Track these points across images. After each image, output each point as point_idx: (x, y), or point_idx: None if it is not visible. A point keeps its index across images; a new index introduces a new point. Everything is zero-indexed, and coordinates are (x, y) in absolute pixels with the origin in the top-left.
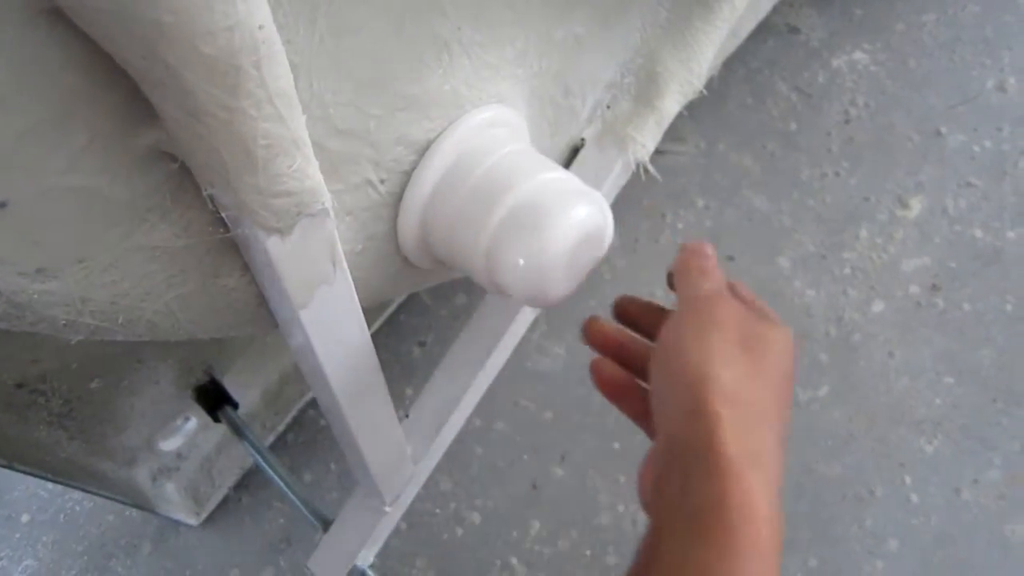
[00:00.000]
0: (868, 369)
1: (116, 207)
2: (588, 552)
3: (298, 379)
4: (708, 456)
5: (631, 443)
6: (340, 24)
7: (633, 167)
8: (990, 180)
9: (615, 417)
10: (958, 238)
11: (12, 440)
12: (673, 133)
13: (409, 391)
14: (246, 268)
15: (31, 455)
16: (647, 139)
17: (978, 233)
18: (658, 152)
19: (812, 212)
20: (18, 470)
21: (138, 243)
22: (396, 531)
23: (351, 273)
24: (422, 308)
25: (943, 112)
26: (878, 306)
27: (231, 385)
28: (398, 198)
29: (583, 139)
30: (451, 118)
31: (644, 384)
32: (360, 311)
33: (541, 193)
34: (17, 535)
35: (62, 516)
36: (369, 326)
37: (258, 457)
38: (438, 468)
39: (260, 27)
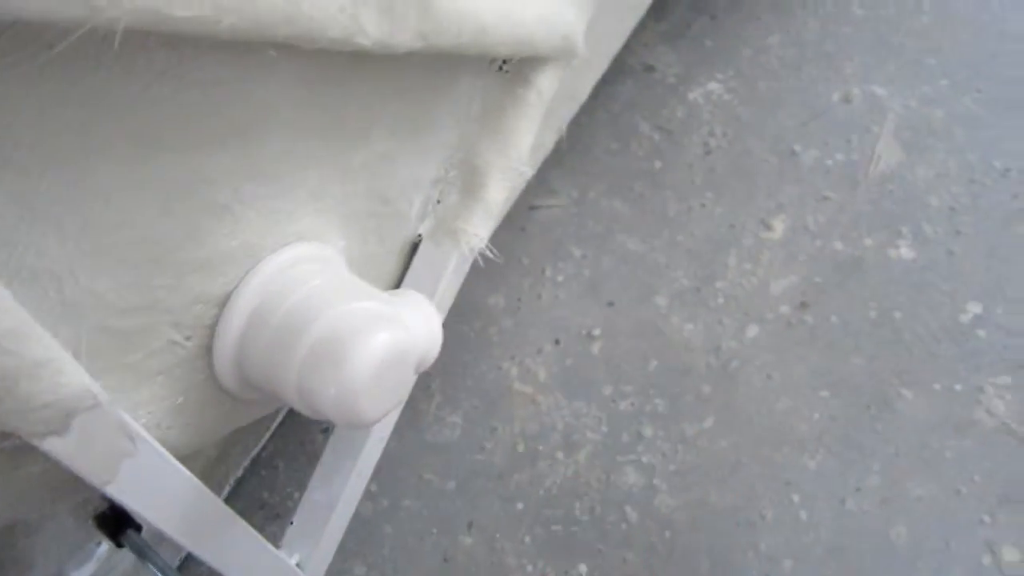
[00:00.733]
0: (748, 395)
1: None
2: None
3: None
4: None
5: (533, 503)
6: (95, 225)
7: (469, 257)
8: (844, 192)
9: (515, 479)
10: (820, 253)
11: None
12: (546, 187)
13: None
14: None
15: None
16: (478, 228)
17: (838, 245)
18: (532, 208)
19: (682, 247)
20: None
21: None
22: None
23: (176, 422)
24: None
25: (795, 130)
26: (752, 331)
27: None
28: (208, 348)
29: (419, 236)
30: (247, 268)
31: None
32: (177, 467)
33: (336, 327)
34: None
35: None
36: (269, 425)
37: None
38: (351, 553)
39: None
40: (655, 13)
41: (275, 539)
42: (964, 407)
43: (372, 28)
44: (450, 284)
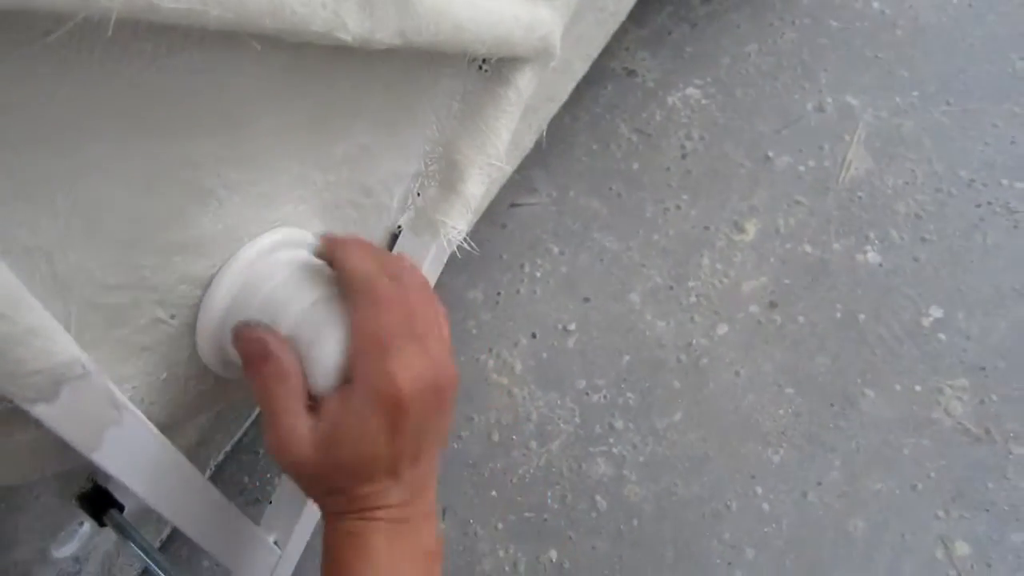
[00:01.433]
0: (717, 390)
1: None
2: None
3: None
4: None
5: (506, 490)
6: (85, 203)
7: (448, 249)
8: (815, 197)
9: (490, 467)
10: (790, 255)
11: None
12: (527, 185)
13: None
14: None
15: None
16: (457, 221)
17: (808, 248)
18: (513, 205)
19: (658, 246)
20: None
21: None
22: None
23: (160, 398)
24: None
25: (770, 137)
26: (722, 329)
27: (117, 486)
28: (192, 327)
29: (400, 227)
30: (231, 251)
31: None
32: (160, 438)
33: (315, 311)
34: None
35: None
36: (250, 412)
37: (145, 558)
38: None
39: None
40: (636, 19)
41: (254, 522)
42: (923, 407)
43: (353, 24)
44: (429, 274)
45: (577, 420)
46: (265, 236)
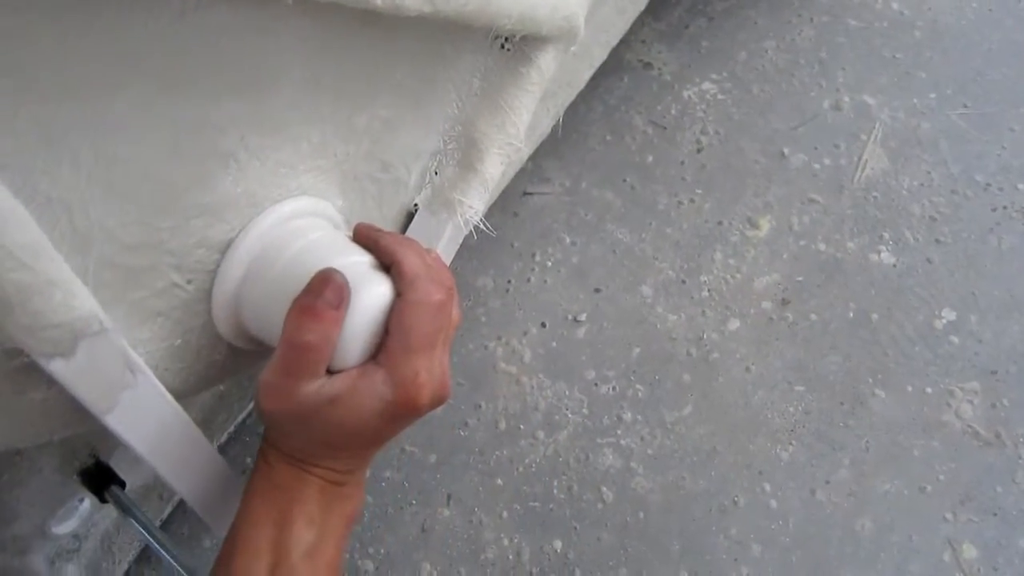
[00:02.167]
0: (727, 385)
1: None
2: None
3: None
4: None
5: (512, 479)
6: (108, 158)
7: (464, 229)
8: (830, 195)
9: (496, 456)
10: (803, 252)
11: None
12: (540, 174)
13: None
14: (52, 379)
15: None
16: (474, 201)
17: (821, 246)
18: (526, 194)
19: (670, 240)
20: None
21: None
22: None
23: (173, 365)
24: None
25: (786, 134)
26: (734, 324)
27: (119, 463)
28: (208, 293)
29: (416, 205)
30: (250, 217)
31: None
32: (172, 404)
33: None
34: None
35: None
36: (254, 393)
37: (146, 535)
38: None
39: None
40: (654, 12)
41: None
42: (934, 409)
43: None
44: (444, 254)
45: (585, 411)
46: (284, 203)
